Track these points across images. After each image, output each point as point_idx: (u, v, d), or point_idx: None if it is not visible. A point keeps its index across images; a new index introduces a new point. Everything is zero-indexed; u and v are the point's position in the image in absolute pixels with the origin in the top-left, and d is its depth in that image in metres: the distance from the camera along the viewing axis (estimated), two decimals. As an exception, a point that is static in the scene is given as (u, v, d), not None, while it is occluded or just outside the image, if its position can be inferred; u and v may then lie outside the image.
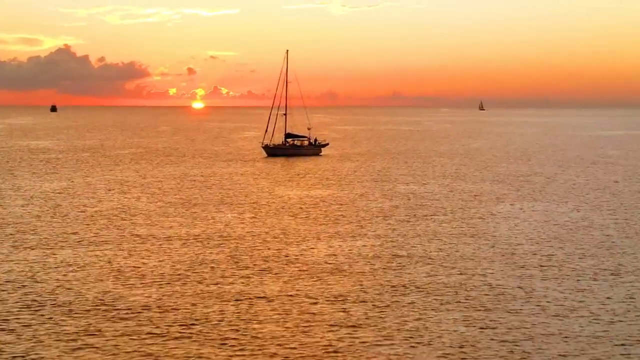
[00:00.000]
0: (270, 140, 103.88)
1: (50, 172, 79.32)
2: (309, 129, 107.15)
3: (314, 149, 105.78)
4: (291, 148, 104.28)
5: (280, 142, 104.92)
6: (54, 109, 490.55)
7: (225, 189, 65.22)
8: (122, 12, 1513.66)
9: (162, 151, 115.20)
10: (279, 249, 39.11)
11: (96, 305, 28.51)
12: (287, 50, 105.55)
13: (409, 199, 58.59)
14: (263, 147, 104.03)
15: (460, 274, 33.99)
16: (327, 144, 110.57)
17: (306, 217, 49.83)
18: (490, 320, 27.30)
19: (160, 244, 40.25)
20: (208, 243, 40.67)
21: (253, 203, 56.38)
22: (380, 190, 64.61)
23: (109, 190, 63.91)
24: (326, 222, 47.61)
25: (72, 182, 70.30)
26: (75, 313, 27.59)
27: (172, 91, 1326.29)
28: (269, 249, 39.30)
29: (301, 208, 53.83)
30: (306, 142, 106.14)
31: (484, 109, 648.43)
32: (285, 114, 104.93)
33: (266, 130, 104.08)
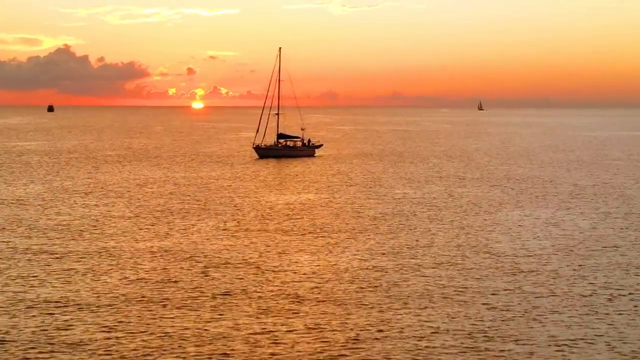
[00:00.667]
0: (262, 141, 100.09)
1: (27, 176, 75.44)
2: (302, 129, 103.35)
3: (308, 150, 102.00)
4: (283, 149, 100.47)
5: (273, 143, 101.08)
6: (51, 109, 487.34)
7: (209, 194, 61.38)
8: (122, 12, 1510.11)
9: (151, 153, 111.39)
10: (257, 266, 35.24)
11: (36, 337, 24.65)
12: (280, 48, 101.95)
13: (402, 205, 54.76)
14: (254, 148, 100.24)
15: (458, 294, 30.17)
16: (321, 145, 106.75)
17: (291, 226, 45.98)
18: (492, 352, 23.52)
19: (127, 260, 36.37)
20: (180, 258, 36.80)
21: (236, 211, 52.54)
22: (373, 195, 60.79)
23: (85, 195, 60.04)
24: (312, 233, 43.77)
25: (49, 186, 66.43)
26: (9, 346, 23.76)
27: (172, 91, 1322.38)
28: (245, 265, 35.45)
29: (287, 216, 50.00)
30: (299, 143, 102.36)
31: (483, 109, 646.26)
32: (277, 114, 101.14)
33: (257, 131, 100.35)
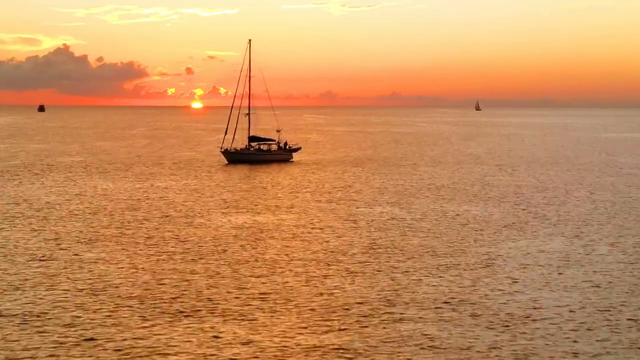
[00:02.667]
0: (231, 145, 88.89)
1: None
2: (278, 131, 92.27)
3: (284, 154, 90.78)
4: (256, 153, 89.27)
5: (244, 147, 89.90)
6: (42, 108, 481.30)
7: (144, 214, 50.15)
8: (121, 12, 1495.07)
9: (112, 158, 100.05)
10: (155, 351, 24.02)
11: None
12: (250, 40, 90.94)
13: (381, 231, 43.53)
14: (222, 153, 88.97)
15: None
16: (300, 148, 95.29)
17: (228, 261, 34.83)
18: None
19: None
20: (53, 325, 25.65)
21: (172, 238, 41.46)
22: (347, 216, 49.55)
23: (-8, 214, 48.89)
24: (252, 272, 32.63)
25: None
26: None
27: (171, 91, 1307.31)
28: (141, 330, 24.25)
29: (230, 250, 38.74)
30: (274, 146, 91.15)
31: (480, 109, 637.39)
32: (248, 114, 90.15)
33: (225, 133, 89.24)
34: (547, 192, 63.11)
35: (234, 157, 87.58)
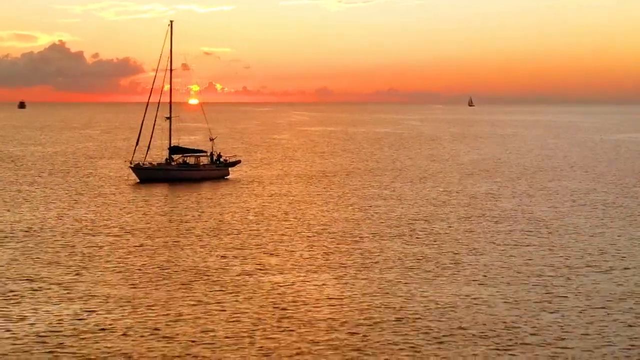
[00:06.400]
0: (145, 158, 67.71)
1: None
2: (211, 139, 71.22)
3: (217, 170, 69.46)
4: (179, 169, 67.93)
5: (164, 160, 68.76)
6: (22, 105, 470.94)
7: None
8: (117, 8, 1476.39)
9: (8, 167, 78.77)
10: None
11: None
12: (172, 22, 69.95)
13: (304, 322, 22.66)
14: (132, 169, 67.47)
15: None
16: (239, 162, 73.45)
17: None
18: None
19: None
20: None
21: None
22: (256, 285, 28.62)
23: None
24: None
25: None
26: None
27: (168, 87, 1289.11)
28: None
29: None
30: (205, 159, 69.91)
31: (473, 105, 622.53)
32: (169, 117, 69.24)
33: (137, 143, 68.22)
34: (578, 240, 42.16)
35: (148, 175, 65.96)
